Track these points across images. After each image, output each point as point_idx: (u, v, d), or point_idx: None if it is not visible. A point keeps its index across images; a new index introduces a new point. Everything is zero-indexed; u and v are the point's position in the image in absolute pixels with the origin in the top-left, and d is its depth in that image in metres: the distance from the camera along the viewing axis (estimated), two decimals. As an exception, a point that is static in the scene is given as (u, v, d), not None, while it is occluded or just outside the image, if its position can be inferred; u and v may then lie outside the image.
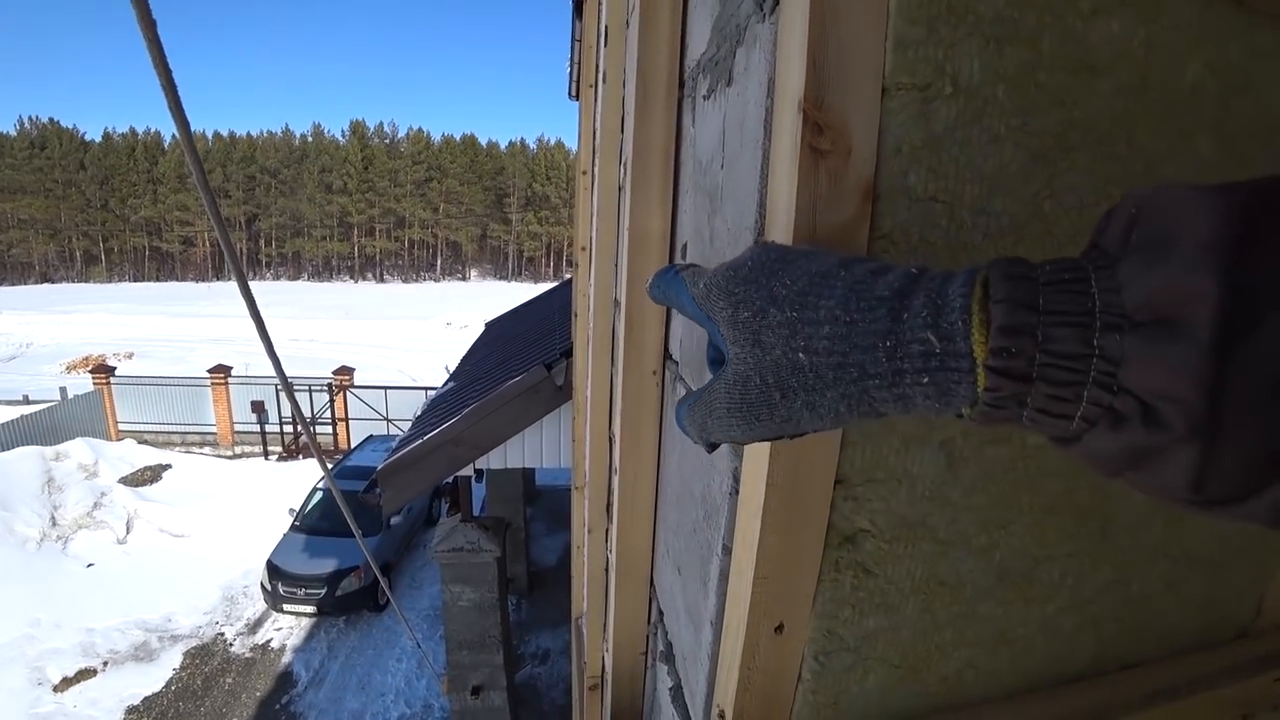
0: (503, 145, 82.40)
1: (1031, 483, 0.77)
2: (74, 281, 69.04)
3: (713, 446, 0.52)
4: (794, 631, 0.74)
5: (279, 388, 13.43)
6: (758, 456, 0.67)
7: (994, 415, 0.33)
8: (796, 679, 0.78)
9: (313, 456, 14.73)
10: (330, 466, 11.41)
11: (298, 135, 78.98)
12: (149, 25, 0.82)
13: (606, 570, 1.45)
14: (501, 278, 79.25)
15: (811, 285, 0.39)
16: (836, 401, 0.37)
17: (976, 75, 0.61)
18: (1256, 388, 0.25)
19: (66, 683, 7.99)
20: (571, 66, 7.10)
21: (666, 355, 1.20)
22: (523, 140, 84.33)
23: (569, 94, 7.45)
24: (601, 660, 1.45)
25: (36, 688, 7.84)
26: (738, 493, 0.76)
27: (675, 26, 1.11)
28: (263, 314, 1.42)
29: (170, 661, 8.47)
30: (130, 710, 7.67)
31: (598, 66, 2.27)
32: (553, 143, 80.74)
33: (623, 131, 1.54)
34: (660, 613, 1.25)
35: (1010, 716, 0.86)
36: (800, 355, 0.37)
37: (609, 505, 1.68)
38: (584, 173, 3.83)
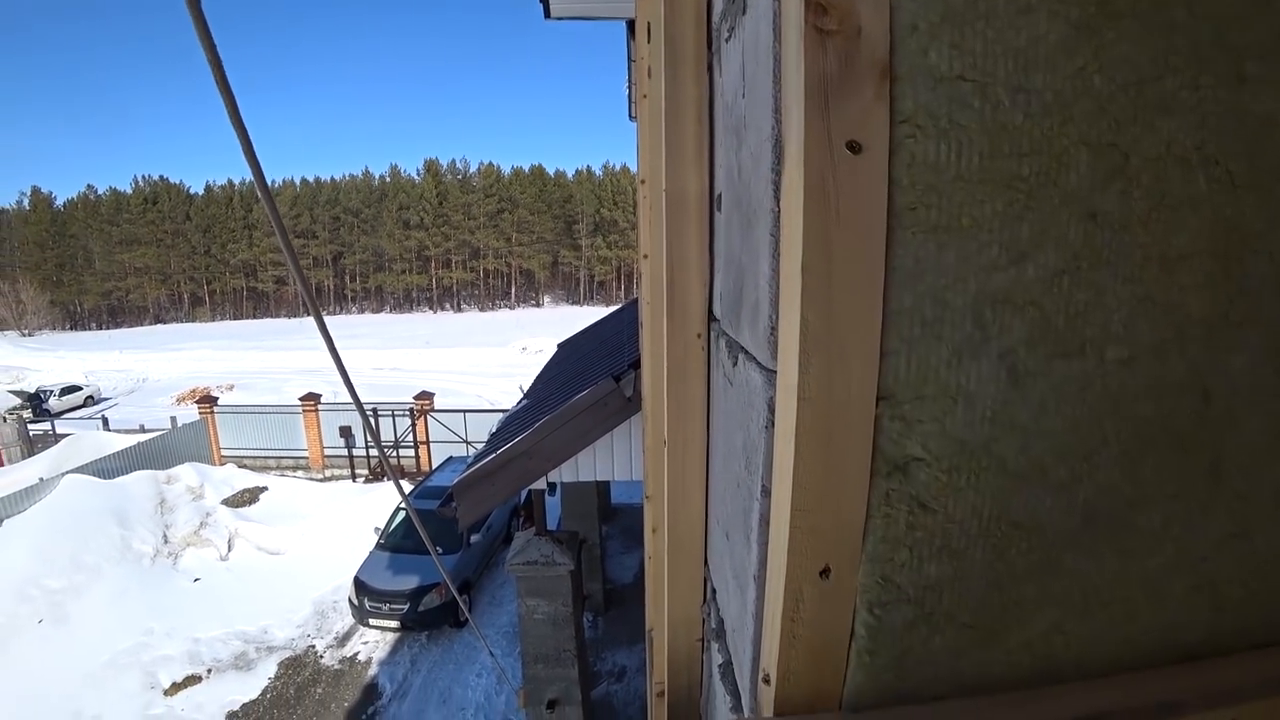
0: (570, 174, 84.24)
1: (1115, 405, 0.66)
2: (182, 321, 74.55)
3: None
4: (842, 577, 0.67)
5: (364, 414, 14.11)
6: (788, 370, 0.63)
7: None
8: (849, 635, 0.70)
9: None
10: (412, 487, 11.81)
11: (376, 176, 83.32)
12: (225, 88, 0.91)
13: (659, 552, 1.42)
14: (574, 302, 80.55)
15: None
16: None
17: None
18: None
19: (175, 688, 8.52)
20: (630, 87, 7.21)
21: (710, 317, 1.16)
22: (589, 167, 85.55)
23: (629, 115, 7.58)
24: (662, 647, 1.40)
25: (149, 691, 8.40)
26: (774, 425, 0.71)
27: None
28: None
29: (266, 671, 8.89)
30: (230, 716, 8.11)
31: (646, 68, 2.29)
32: (618, 168, 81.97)
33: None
34: (714, 591, 1.21)
35: (1111, 698, 0.72)
36: None
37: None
38: (642, 181, 3.86)
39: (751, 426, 0.81)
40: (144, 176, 77.60)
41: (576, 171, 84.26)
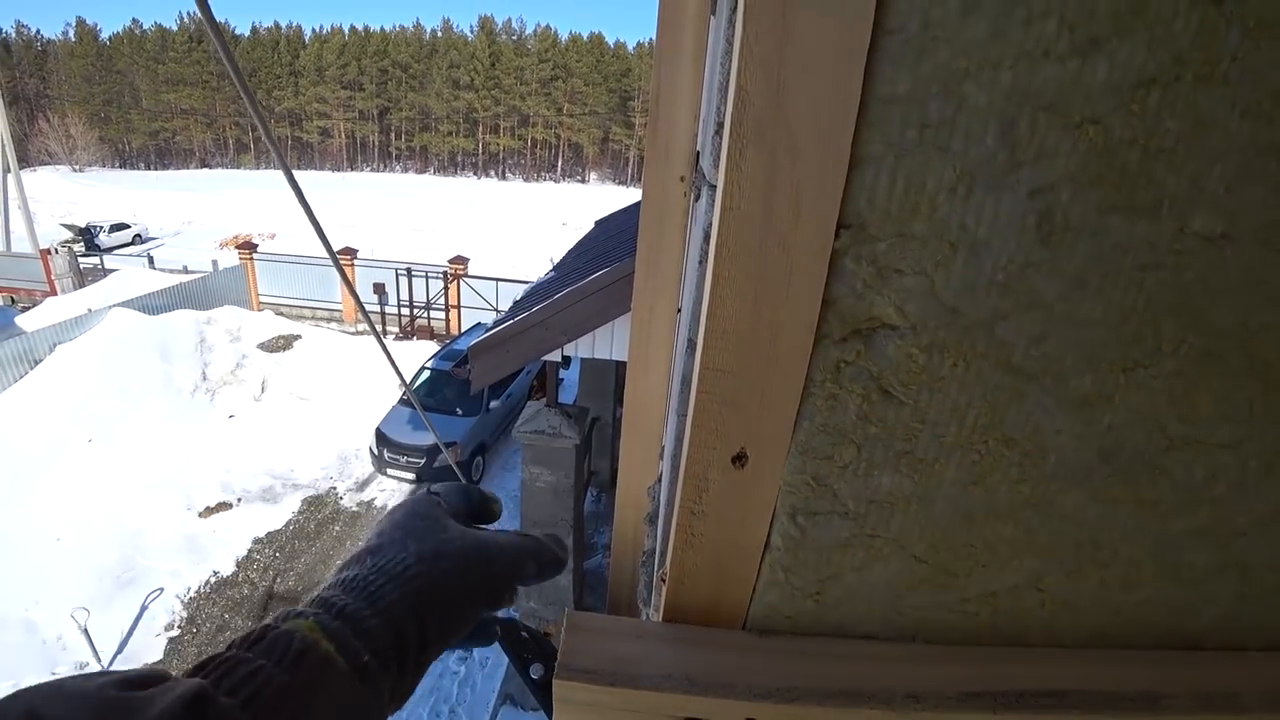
0: (631, 46, 79.61)
1: (1186, 299, 0.46)
2: (227, 167, 74.63)
3: None
4: (762, 468, 0.51)
5: (398, 272, 14.10)
6: (719, 171, 0.44)
7: None
8: (764, 545, 0.55)
9: (425, 339, 15.54)
10: (439, 349, 11.96)
11: (428, 30, 79.97)
12: None
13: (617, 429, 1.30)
14: (620, 183, 78.49)
15: None
16: None
17: None
18: None
19: (208, 511, 9.20)
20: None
21: (700, 157, 0.98)
22: (652, 41, 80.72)
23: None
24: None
25: (185, 512, 9.09)
26: (708, 256, 0.55)
27: None
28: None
29: (291, 505, 9.52)
30: (256, 540, 8.83)
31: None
32: (680, 42, 76.87)
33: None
34: (660, 474, 1.09)
35: (1078, 675, 0.58)
36: None
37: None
38: None
39: (694, 265, 0.65)
40: (189, 14, 75.40)
41: (638, 44, 79.65)
